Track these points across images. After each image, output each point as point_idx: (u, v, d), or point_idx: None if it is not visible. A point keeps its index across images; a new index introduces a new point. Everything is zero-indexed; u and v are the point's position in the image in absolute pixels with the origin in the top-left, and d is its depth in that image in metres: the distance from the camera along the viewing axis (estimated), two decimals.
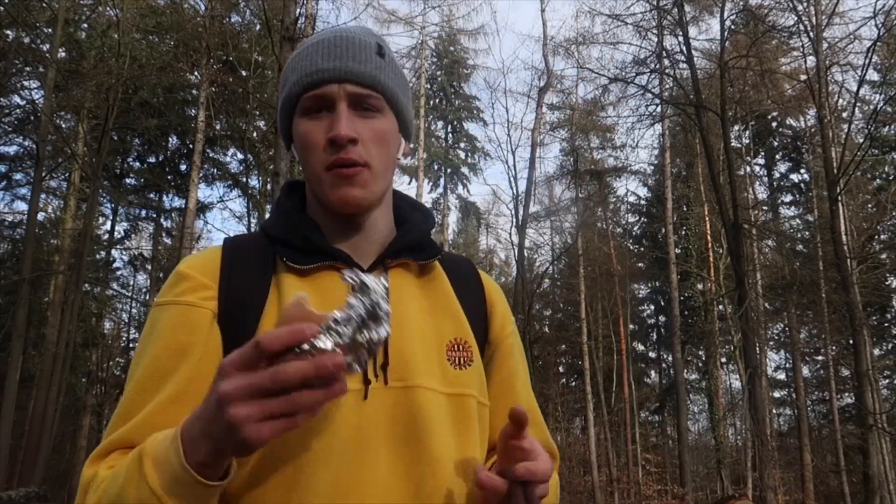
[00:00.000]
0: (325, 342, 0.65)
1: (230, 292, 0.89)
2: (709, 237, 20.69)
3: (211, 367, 0.81)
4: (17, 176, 18.20)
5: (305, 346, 0.64)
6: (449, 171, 26.21)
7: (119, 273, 21.95)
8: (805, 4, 13.14)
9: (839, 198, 12.57)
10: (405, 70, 24.31)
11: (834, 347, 19.56)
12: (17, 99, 16.50)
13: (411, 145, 1.03)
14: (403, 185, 23.82)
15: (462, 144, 26.80)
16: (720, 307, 20.01)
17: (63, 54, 15.36)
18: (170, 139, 19.98)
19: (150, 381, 0.84)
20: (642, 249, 24.57)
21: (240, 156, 19.12)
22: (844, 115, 16.89)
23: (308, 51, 0.95)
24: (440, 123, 26.79)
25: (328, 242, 0.94)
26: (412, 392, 0.87)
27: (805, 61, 14.28)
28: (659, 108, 16.35)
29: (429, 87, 25.24)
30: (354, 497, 0.81)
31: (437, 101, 26.22)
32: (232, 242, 0.96)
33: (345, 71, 0.91)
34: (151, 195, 20.74)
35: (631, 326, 25.02)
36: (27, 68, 15.62)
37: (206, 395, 0.68)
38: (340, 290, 0.88)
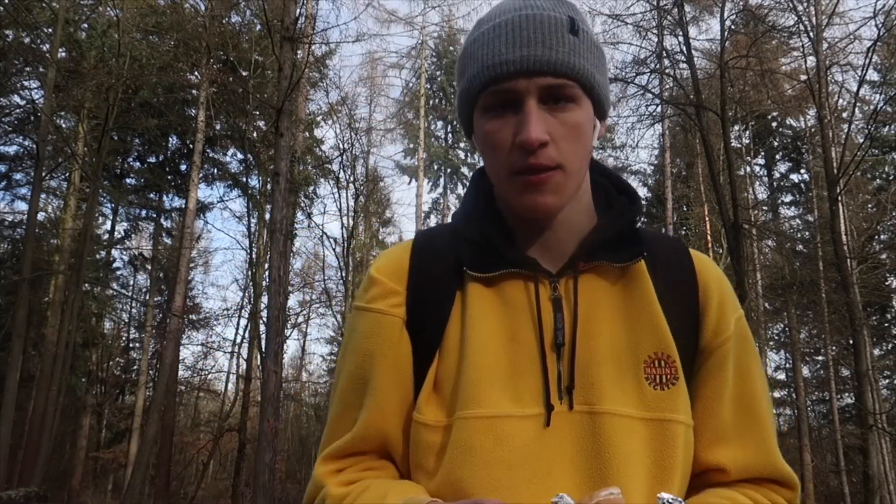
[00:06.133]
0: None
1: (417, 299, 0.87)
2: (709, 237, 20.66)
3: (404, 374, 0.87)
4: (17, 176, 18.20)
5: None
6: (449, 170, 26.16)
7: (119, 273, 21.96)
8: (805, 4, 13.13)
9: (839, 198, 12.56)
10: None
11: (834, 347, 19.54)
12: (17, 99, 16.52)
13: (608, 122, 0.89)
14: (403, 185, 23.82)
15: (462, 144, 26.74)
16: None
17: (63, 54, 15.33)
18: (170, 139, 19.96)
19: (354, 392, 0.88)
20: None
21: (240, 156, 19.11)
22: (844, 115, 16.87)
23: (488, 35, 0.82)
24: (440, 123, 26.75)
25: (517, 245, 0.86)
26: (600, 419, 0.78)
27: (805, 61, 14.25)
28: (659, 108, 16.33)
29: (429, 87, 25.23)
30: None
31: (437, 101, 26.17)
32: (422, 242, 0.91)
33: (534, 61, 0.77)
34: (151, 195, 20.73)
35: None
36: (27, 68, 15.62)
37: None
38: (524, 300, 0.84)
